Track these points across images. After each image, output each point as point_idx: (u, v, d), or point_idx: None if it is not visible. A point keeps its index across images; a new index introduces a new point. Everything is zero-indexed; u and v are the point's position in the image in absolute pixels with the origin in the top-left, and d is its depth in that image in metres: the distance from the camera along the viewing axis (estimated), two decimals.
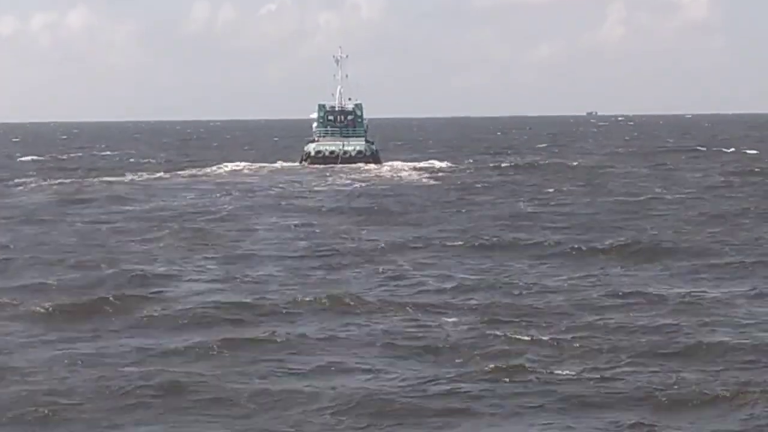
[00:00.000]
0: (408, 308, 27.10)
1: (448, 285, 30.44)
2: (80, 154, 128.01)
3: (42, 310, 27.02)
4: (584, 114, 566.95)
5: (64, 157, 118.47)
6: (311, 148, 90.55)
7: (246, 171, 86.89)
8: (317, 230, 44.36)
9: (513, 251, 37.27)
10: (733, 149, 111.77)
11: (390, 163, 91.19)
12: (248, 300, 28.22)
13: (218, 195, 62.64)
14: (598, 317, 25.86)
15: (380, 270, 33.15)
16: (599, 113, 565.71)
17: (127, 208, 55.07)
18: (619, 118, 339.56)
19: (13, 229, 45.47)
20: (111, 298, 28.17)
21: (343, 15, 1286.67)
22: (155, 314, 26.70)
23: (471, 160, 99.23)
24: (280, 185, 70.32)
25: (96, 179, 75.53)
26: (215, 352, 22.88)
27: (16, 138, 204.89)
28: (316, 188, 67.76)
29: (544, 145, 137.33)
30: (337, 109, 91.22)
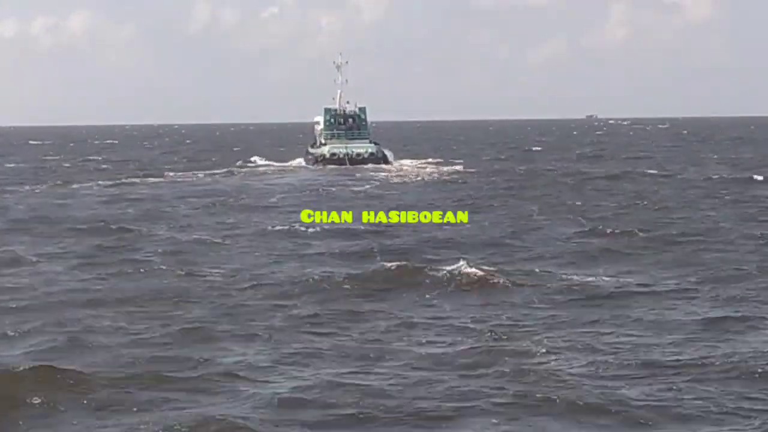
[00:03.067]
0: None
1: None
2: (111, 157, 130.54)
3: None
4: (584, 117, 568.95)
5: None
6: (325, 150, 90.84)
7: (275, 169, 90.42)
8: None
9: None
10: None
11: (400, 162, 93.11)
12: None
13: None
14: None
15: None
16: (599, 116, 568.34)
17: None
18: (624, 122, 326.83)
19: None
20: None
21: (345, 17, 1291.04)
22: None
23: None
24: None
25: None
26: None
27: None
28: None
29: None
30: (340, 112, 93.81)
